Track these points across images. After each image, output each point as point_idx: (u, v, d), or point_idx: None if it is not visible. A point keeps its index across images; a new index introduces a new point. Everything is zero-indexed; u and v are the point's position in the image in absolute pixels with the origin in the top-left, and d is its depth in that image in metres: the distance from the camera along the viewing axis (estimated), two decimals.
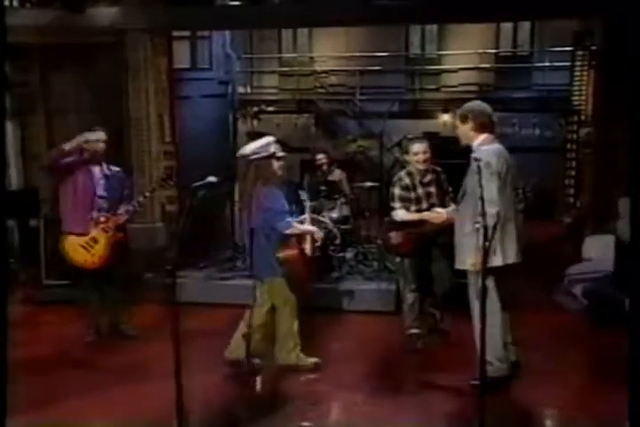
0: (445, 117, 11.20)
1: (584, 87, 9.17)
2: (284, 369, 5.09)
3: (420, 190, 5.52)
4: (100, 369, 5.23)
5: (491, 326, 4.16)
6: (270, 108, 10.20)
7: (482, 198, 3.85)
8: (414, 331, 5.61)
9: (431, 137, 7.17)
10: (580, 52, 9.26)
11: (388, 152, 8.10)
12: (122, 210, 5.61)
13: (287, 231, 4.85)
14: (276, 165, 4.92)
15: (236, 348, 5.02)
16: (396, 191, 5.53)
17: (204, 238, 7.72)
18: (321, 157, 8.09)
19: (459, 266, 4.65)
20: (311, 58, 13.08)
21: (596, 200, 7.78)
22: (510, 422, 4.33)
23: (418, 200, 5.51)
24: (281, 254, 4.87)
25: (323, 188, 7.64)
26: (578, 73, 9.32)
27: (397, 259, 5.85)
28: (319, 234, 5.20)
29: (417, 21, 10.43)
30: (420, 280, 5.54)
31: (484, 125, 4.58)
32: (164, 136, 8.34)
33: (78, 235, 5.54)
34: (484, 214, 3.83)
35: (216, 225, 8.37)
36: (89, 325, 5.85)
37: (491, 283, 4.33)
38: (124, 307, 5.93)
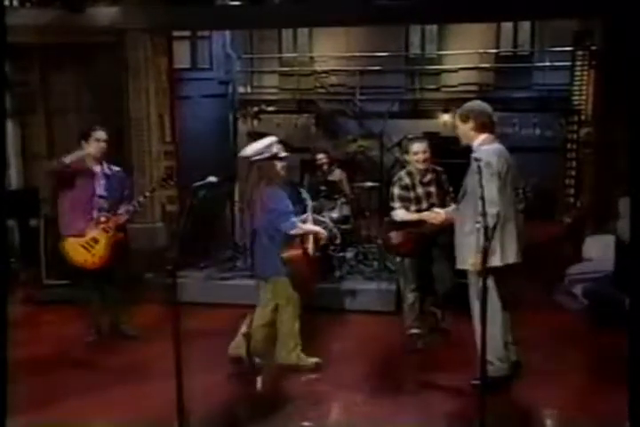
0: (445, 117, 11.18)
1: (584, 87, 9.16)
2: (285, 369, 5.09)
3: (420, 190, 5.52)
4: (101, 369, 5.23)
5: (491, 326, 4.16)
6: (270, 108, 10.18)
7: (482, 198, 3.86)
8: (415, 331, 5.61)
9: (431, 137, 7.17)
10: (580, 52, 9.24)
11: (389, 152, 8.10)
12: (122, 210, 5.61)
13: (292, 232, 4.86)
14: (279, 165, 4.92)
15: (239, 345, 5.04)
16: (396, 191, 5.54)
17: (204, 238, 7.73)
18: (321, 156, 8.09)
19: (459, 266, 4.65)
20: (311, 58, 13.06)
21: (597, 200, 7.78)
22: (510, 422, 4.33)
23: (418, 200, 5.51)
24: (285, 254, 4.89)
25: (323, 188, 7.64)
26: (578, 73, 9.31)
27: (397, 259, 5.85)
28: (324, 233, 5.22)
29: (417, 21, 10.41)
30: (421, 280, 5.54)
31: (484, 125, 4.58)
32: (165, 136, 8.34)
33: (78, 236, 5.54)
34: (484, 214, 3.83)
35: (216, 225, 8.37)
36: (89, 325, 5.85)
37: (491, 283, 4.33)
38: (124, 307, 5.93)
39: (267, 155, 4.85)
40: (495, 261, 4.35)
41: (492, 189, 4.25)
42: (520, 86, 12.17)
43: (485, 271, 3.89)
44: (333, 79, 12.91)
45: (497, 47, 12.43)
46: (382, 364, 5.34)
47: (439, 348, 5.58)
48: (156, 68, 8.16)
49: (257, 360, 5.14)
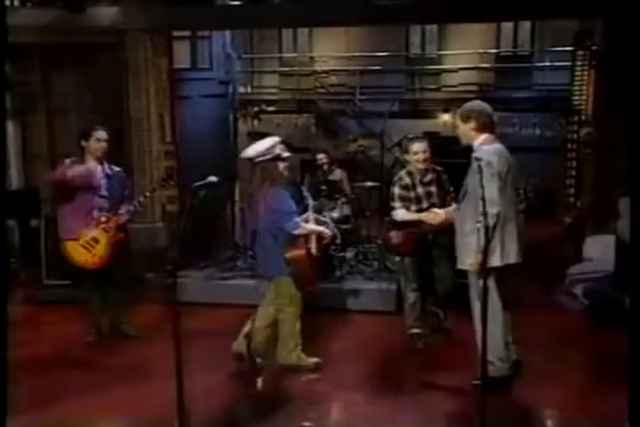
0: (446, 117, 11.19)
1: (584, 87, 9.16)
2: (285, 369, 5.09)
3: (421, 190, 5.52)
4: (101, 369, 5.23)
5: (492, 326, 4.16)
6: (271, 108, 10.19)
7: (483, 198, 3.86)
8: (415, 331, 5.61)
9: (431, 137, 7.17)
10: (580, 52, 9.24)
11: (389, 152, 8.10)
12: (123, 210, 5.61)
13: (296, 232, 4.88)
14: (281, 166, 4.93)
15: (242, 342, 5.08)
16: (396, 191, 5.54)
17: (204, 238, 7.72)
18: (321, 156, 8.09)
19: (459, 266, 4.65)
20: (311, 58, 13.06)
21: (597, 200, 7.77)
22: (511, 422, 4.33)
23: (418, 200, 5.52)
24: (288, 254, 4.90)
25: (323, 187, 7.64)
26: (578, 73, 9.31)
27: (397, 258, 5.85)
28: (327, 233, 5.23)
29: (417, 21, 10.42)
30: (422, 280, 5.54)
31: (484, 125, 4.58)
32: (165, 136, 8.34)
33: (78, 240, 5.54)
34: (485, 214, 3.84)
35: (217, 225, 8.37)
36: (90, 325, 5.84)
37: (492, 283, 4.34)
38: (124, 307, 5.92)
39: (270, 156, 4.85)
40: (495, 261, 4.35)
41: (492, 189, 4.25)
42: (520, 86, 12.17)
43: (486, 271, 3.90)
44: (333, 79, 12.91)
45: (497, 47, 12.43)
46: (383, 364, 5.34)
47: (440, 348, 5.58)
48: (156, 68, 8.16)
49: (258, 360, 5.15)
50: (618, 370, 3.86)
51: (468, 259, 4.47)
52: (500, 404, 4.34)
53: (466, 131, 4.63)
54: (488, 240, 3.85)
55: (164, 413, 3.84)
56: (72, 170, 5.47)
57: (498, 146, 4.55)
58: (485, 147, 4.51)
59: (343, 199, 7.65)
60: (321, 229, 5.27)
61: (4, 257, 5.66)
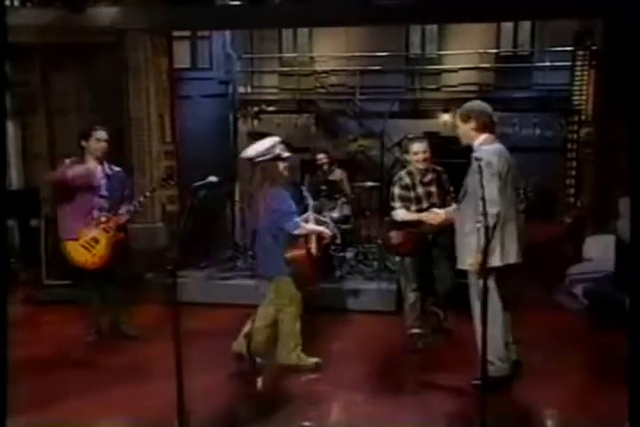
0: (446, 117, 11.19)
1: (584, 87, 9.16)
2: (285, 369, 5.09)
3: (421, 190, 5.52)
4: (101, 369, 5.23)
5: (492, 326, 4.16)
6: (271, 108, 10.20)
7: (483, 198, 3.86)
8: (415, 331, 5.61)
9: (431, 137, 7.17)
10: (580, 52, 9.25)
11: (389, 152, 8.10)
12: (123, 210, 5.61)
13: (296, 232, 4.88)
14: (281, 166, 4.93)
15: (243, 342, 5.09)
16: (396, 191, 5.55)
17: (204, 238, 7.72)
18: (321, 156, 8.09)
19: (460, 266, 4.65)
20: (311, 58, 13.06)
21: (597, 200, 7.77)
22: (511, 422, 4.33)
23: (418, 200, 5.52)
24: (288, 254, 4.91)
25: (323, 187, 7.64)
26: (578, 73, 9.31)
27: (397, 258, 5.85)
28: (328, 233, 5.24)
29: (417, 21, 10.42)
30: (422, 280, 5.54)
31: (485, 125, 4.58)
32: (165, 136, 8.34)
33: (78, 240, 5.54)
34: (485, 214, 3.84)
35: (217, 225, 8.37)
36: (90, 325, 5.84)
37: (492, 283, 4.33)
38: (124, 307, 5.92)
39: (270, 156, 4.85)
40: (496, 261, 4.35)
41: (492, 189, 4.25)
42: (520, 86, 12.18)
43: (486, 271, 3.90)
44: (333, 79, 12.91)
45: (497, 47, 12.43)
46: (383, 364, 5.34)
47: (440, 348, 5.58)
48: (156, 68, 8.16)
49: (258, 360, 5.15)
50: (618, 370, 3.86)
51: (467, 259, 4.47)
52: (500, 404, 4.34)
53: (466, 131, 4.63)
54: (488, 240, 3.85)
55: (164, 413, 3.84)
56: (72, 170, 5.47)
57: (498, 146, 4.55)
58: (485, 147, 4.51)
59: (343, 199, 7.64)
60: (321, 229, 5.27)
61: (4, 257, 5.66)
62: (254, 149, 4.90)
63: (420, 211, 5.45)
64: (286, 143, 5.18)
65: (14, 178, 8.48)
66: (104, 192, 5.60)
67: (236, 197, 7.83)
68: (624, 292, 5.41)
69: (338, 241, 7.10)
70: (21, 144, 8.60)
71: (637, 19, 5.91)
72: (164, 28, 8.25)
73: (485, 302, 3.79)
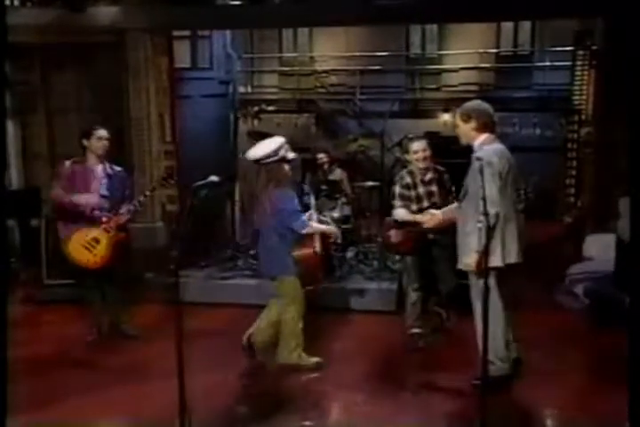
0: (446, 117, 11.20)
1: (585, 87, 9.16)
2: (286, 368, 5.09)
3: (421, 189, 5.53)
4: (101, 369, 5.23)
5: (492, 326, 4.15)
6: (271, 108, 10.19)
7: (483, 198, 3.86)
8: (416, 330, 5.61)
9: (432, 136, 7.18)
10: (580, 52, 9.25)
11: (389, 152, 8.10)
12: (124, 209, 5.60)
13: (304, 231, 4.91)
14: (287, 167, 4.94)
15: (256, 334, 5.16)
16: (397, 190, 5.56)
17: (204, 238, 7.72)
18: (322, 156, 8.10)
19: (460, 266, 4.65)
20: (311, 57, 13.07)
21: (597, 200, 7.78)
22: (510, 422, 4.32)
23: (419, 199, 5.52)
24: (296, 253, 4.95)
25: (324, 187, 7.65)
26: (578, 73, 9.31)
27: (397, 257, 5.85)
28: (335, 232, 5.27)
29: (417, 21, 10.42)
30: (423, 279, 5.54)
31: (485, 125, 4.58)
32: (165, 136, 8.34)
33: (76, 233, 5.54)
34: (486, 214, 3.83)
35: (217, 225, 8.37)
36: (90, 324, 5.84)
37: (492, 283, 4.33)
38: (124, 306, 5.92)
39: (277, 158, 4.86)
40: (496, 261, 4.35)
41: (492, 189, 4.25)
42: (520, 86, 12.19)
43: (485, 271, 3.89)
44: (333, 79, 12.92)
45: (497, 47, 12.45)
46: (383, 363, 5.34)
47: (440, 347, 5.58)
48: (156, 68, 8.17)
49: (260, 358, 5.17)
50: (618, 370, 3.86)
51: (466, 258, 4.47)
52: (500, 404, 4.34)
53: (466, 130, 4.63)
54: (488, 240, 3.85)
55: (165, 412, 3.84)
56: (76, 198, 5.47)
57: (498, 146, 4.55)
58: (486, 147, 4.51)
59: (343, 199, 7.65)
60: (329, 228, 5.34)
61: (4, 257, 5.65)
62: (261, 150, 4.89)
63: (420, 210, 5.45)
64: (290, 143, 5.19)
65: (14, 178, 8.48)
66: (105, 192, 5.60)
67: (236, 197, 7.83)
68: (624, 291, 5.42)
69: (338, 241, 7.10)
70: (21, 144, 8.60)
71: (637, 19, 5.92)
72: (165, 28, 8.25)
73: (486, 301, 3.79)
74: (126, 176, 5.91)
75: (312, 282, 5.13)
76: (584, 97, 9.16)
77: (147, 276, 7.19)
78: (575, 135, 9.36)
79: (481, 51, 12.32)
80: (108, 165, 5.69)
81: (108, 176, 5.64)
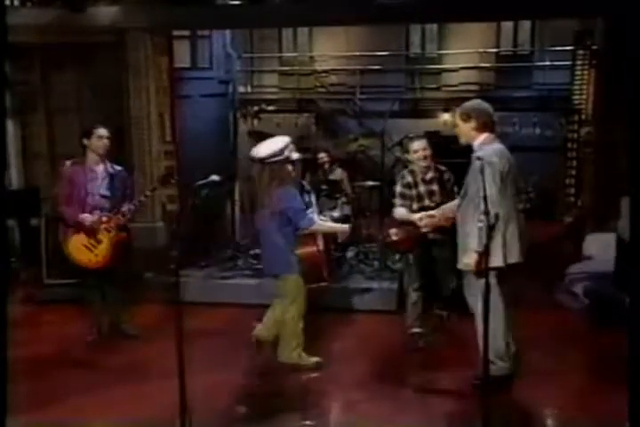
0: (446, 116, 11.18)
1: (585, 86, 9.16)
2: (286, 368, 5.10)
3: (422, 188, 5.53)
4: (101, 369, 5.23)
5: (493, 326, 4.14)
6: (271, 108, 10.18)
7: (484, 198, 3.86)
8: (416, 330, 5.61)
9: (432, 136, 7.18)
10: (580, 52, 9.25)
11: (389, 151, 8.10)
12: (125, 208, 5.59)
13: (313, 228, 4.95)
14: (290, 167, 4.95)
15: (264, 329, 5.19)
16: (398, 189, 5.58)
17: (204, 237, 7.73)
18: (322, 155, 8.09)
19: (460, 266, 4.64)
20: (311, 57, 13.05)
21: (597, 200, 7.78)
22: (510, 422, 4.32)
23: (420, 198, 5.53)
24: (300, 251, 4.98)
25: (324, 187, 7.65)
26: (578, 72, 9.31)
27: (397, 256, 5.85)
28: (346, 229, 5.29)
29: (417, 21, 10.41)
30: (424, 279, 5.54)
31: (485, 125, 4.58)
32: (165, 135, 8.36)
33: (79, 231, 5.54)
34: (487, 213, 3.83)
35: (217, 224, 8.38)
36: (91, 324, 5.84)
37: (493, 282, 4.32)
38: (125, 306, 5.92)
39: (281, 157, 4.86)
40: (497, 261, 4.34)
41: (492, 189, 4.25)
42: (520, 86, 12.17)
43: (485, 271, 3.89)
44: (333, 78, 12.90)
45: (497, 46, 12.42)
46: (383, 363, 5.34)
47: (440, 347, 5.58)
48: (156, 68, 8.18)
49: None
50: (618, 370, 3.86)
51: (466, 258, 4.47)
52: (499, 404, 4.32)
53: (466, 130, 4.62)
54: (488, 240, 3.85)
55: (165, 412, 3.85)
56: (82, 217, 5.49)
57: (499, 146, 4.55)
58: (486, 146, 4.51)
59: (344, 199, 7.65)
60: (339, 226, 5.43)
61: (4, 257, 5.65)
62: (267, 149, 4.89)
63: (421, 209, 5.44)
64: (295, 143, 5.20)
65: (14, 178, 8.49)
66: (105, 192, 5.60)
67: (236, 197, 7.83)
68: (624, 291, 5.42)
69: (338, 241, 7.11)
70: (21, 143, 8.61)
71: (637, 19, 5.92)
72: (165, 28, 8.26)
73: (487, 301, 3.79)
74: (127, 176, 5.91)
75: (315, 280, 5.14)
76: (584, 97, 9.16)
77: (147, 275, 7.18)
78: (575, 135, 9.36)
79: (481, 50, 12.30)
80: (108, 165, 5.68)
81: (109, 176, 5.64)
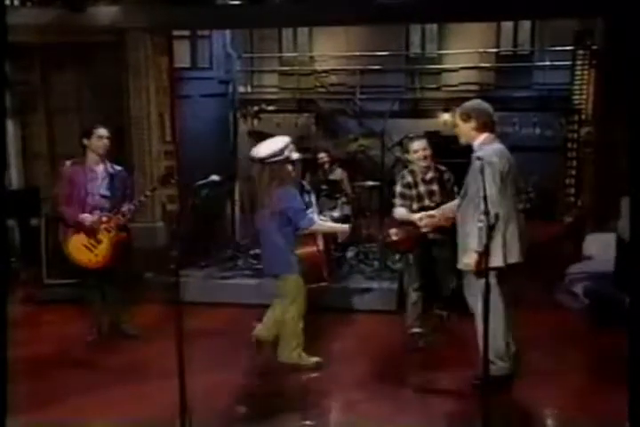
0: (446, 116, 11.18)
1: (585, 86, 9.17)
2: (286, 368, 5.10)
3: (422, 188, 5.53)
4: (101, 369, 5.23)
5: (493, 326, 4.14)
6: (271, 108, 10.18)
7: (485, 198, 3.86)
8: (416, 330, 5.61)
9: (432, 136, 7.18)
10: (580, 52, 9.25)
11: (389, 151, 8.10)
12: (125, 208, 5.59)
13: (313, 227, 4.95)
14: (290, 167, 4.95)
15: (264, 329, 5.19)
16: (398, 188, 5.58)
17: (204, 237, 7.73)
18: (322, 155, 8.09)
19: (460, 266, 4.64)
20: (311, 57, 13.05)
21: (597, 200, 7.78)
22: (510, 422, 4.32)
23: (420, 198, 5.53)
24: (299, 251, 4.98)
25: (324, 187, 7.65)
26: (578, 72, 9.31)
27: (397, 256, 5.85)
28: (346, 229, 5.29)
29: (417, 21, 10.41)
30: (424, 279, 5.54)
31: (485, 125, 4.58)
32: (165, 135, 8.36)
33: (79, 231, 5.53)
34: (487, 213, 3.83)
35: (217, 224, 8.38)
36: (91, 324, 5.84)
37: (493, 282, 4.32)
38: (125, 306, 5.92)
39: (281, 157, 4.87)
40: (498, 261, 4.34)
41: (492, 189, 4.25)
42: (520, 86, 12.17)
43: (485, 271, 3.89)
44: (333, 78, 12.90)
45: (497, 46, 12.42)
46: (383, 363, 5.33)
47: (440, 347, 5.58)
48: (156, 68, 8.18)
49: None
50: (618, 370, 3.86)
51: (465, 258, 4.47)
52: (499, 404, 4.32)
53: (466, 130, 4.62)
54: (488, 240, 3.85)
55: (165, 412, 3.85)
56: (82, 217, 5.48)
57: (499, 146, 4.55)
58: (486, 146, 4.51)
59: (343, 199, 7.65)
60: (340, 226, 5.44)
61: (4, 257, 5.65)
62: (267, 149, 4.90)
63: (422, 209, 5.45)
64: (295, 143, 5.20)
65: (14, 178, 8.49)
66: (105, 192, 5.60)
67: (236, 197, 7.83)
68: (624, 291, 5.42)
69: (338, 240, 7.11)
70: (21, 143, 8.61)
71: (637, 19, 5.92)
72: (165, 28, 8.26)
73: (487, 301, 3.79)
74: (127, 176, 5.91)
75: (315, 280, 5.15)
76: (584, 97, 9.16)
77: (147, 275, 7.18)
78: (575, 135, 9.36)
79: (481, 50, 12.30)
80: (108, 165, 5.68)
81: (109, 176, 5.64)
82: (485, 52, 12.33)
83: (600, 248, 7.03)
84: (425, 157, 5.46)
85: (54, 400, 4.62)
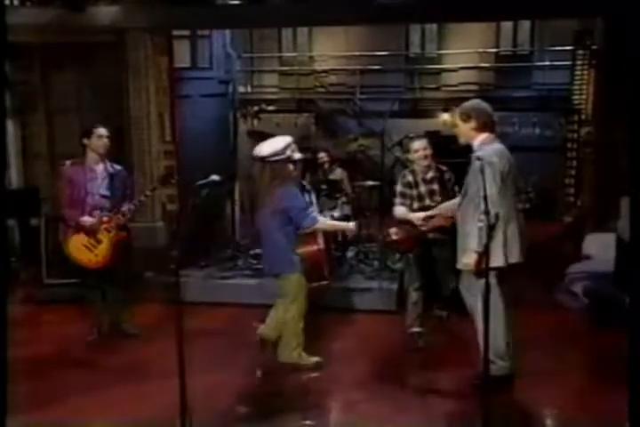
0: (445, 116, 11.18)
1: (584, 86, 9.17)
2: (286, 368, 5.10)
3: (423, 188, 5.54)
4: (101, 368, 5.23)
5: (493, 325, 4.14)
6: (270, 108, 10.18)
7: (484, 198, 3.86)
8: (416, 330, 5.61)
9: (432, 136, 7.18)
10: (580, 52, 9.25)
11: (389, 151, 8.09)
12: (125, 208, 5.59)
13: (316, 226, 4.96)
14: (292, 166, 4.95)
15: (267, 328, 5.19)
16: (399, 188, 5.59)
17: (204, 237, 7.72)
18: (322, 155, 8.09)
19: (459, 266, 4.65)
20: (311, 57, 13.04)
21: (597, 200, 7.78)
22: (510, 422, 4.32)
23: (420, 197, 5.53)
24: (300, 250, 4.98)
25: (324, 187, 7.65)
26: (578, 72, 9.31)
27: (397, 256, 5.85)
28: (352, 228, 5.30)
29: (417, 21, 10.41)
30: (424, 278, 5.55)
31: (485, 125, 4.58)
32: (165, 135, 8.36)
33: (79, 231, 5.53)
34: (487, 213, 3.83)
35: (217, 224, 8.37)
36: (91, 324, 5.84)
37: (493, 282, 4.32)
38: (125, 306, 5.92)
39: (282, 157, 4.87)
40: (498, 261, 4.34)
41: (492, 189, 4.25)
42: (520, 86, 12.17)
43: (485, 271, 3.89)
44: (333, 78, 12.90)
45: (497, 46, 12.42)
46: (383, 363, 5.34)
47: (440, 347, 5.58)
48: (156, 68, 8.18)
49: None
50: (618, 370, 3.86)
51: (465, 258, 4.47)
52: (499, 404, 4.32)
53: (466, 130, 4.63)
54: (488, 240, 3.85)
55: (165, 412, 3.85)
56: (83, 221, 5.49)
57: (498, 146, 4.55)
58: (486, 146, 4.51)
59: (343, 199, 7.65)
60: (344, 224, 5.43)
61: (4, 257, 5.65)
62: (269, 148, 4.90)
63: (422, 208, 5.45)
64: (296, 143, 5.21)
65: (14, 177, 8.49)
66: (105, 191, 5.60)
67: (236, 197, 7.83)
68: (624, 291, 5.42)
69: (348, 238, 7.12)
70: (21, 143, 8.61)
71: (637, 19, 5.92)
72: (164, 28, 8.26)
73: (487, 301, 3.79)
74: (127, 175, 5.91)
75: (317, 279, 5.15)
76: (584, 97, 9.16)
77: (147, 275, 7.18)
78: (575, 135, 9.36)
79: (480, 50, 12.30)
80: (108, 165, 5.69)
81: (109, 175, 5.64)
82: (485, 52, 12.33)
83: (600, 248, 7.03)
84: (426, 157, 5.46)
85: (54, 400, 4.63)
